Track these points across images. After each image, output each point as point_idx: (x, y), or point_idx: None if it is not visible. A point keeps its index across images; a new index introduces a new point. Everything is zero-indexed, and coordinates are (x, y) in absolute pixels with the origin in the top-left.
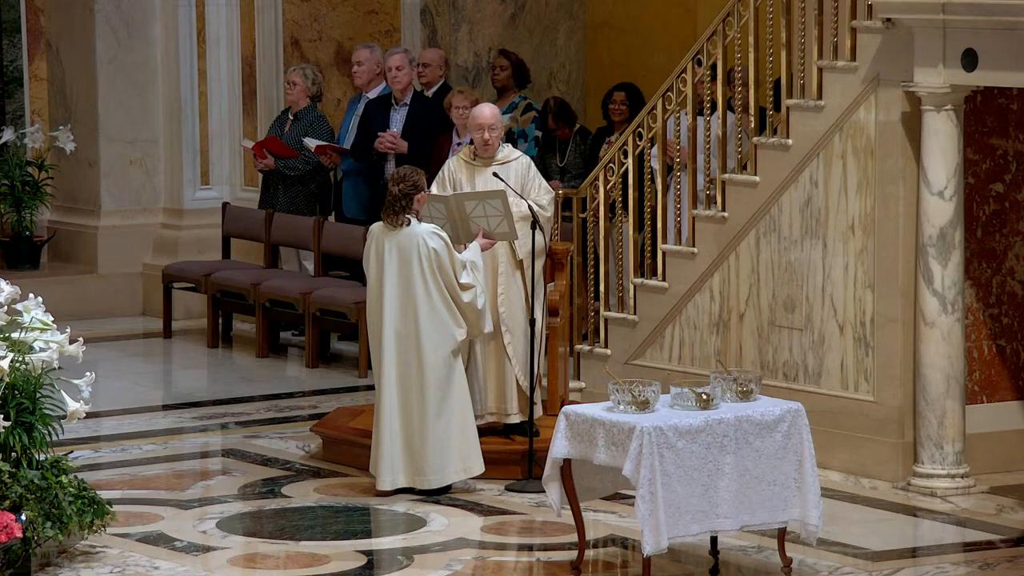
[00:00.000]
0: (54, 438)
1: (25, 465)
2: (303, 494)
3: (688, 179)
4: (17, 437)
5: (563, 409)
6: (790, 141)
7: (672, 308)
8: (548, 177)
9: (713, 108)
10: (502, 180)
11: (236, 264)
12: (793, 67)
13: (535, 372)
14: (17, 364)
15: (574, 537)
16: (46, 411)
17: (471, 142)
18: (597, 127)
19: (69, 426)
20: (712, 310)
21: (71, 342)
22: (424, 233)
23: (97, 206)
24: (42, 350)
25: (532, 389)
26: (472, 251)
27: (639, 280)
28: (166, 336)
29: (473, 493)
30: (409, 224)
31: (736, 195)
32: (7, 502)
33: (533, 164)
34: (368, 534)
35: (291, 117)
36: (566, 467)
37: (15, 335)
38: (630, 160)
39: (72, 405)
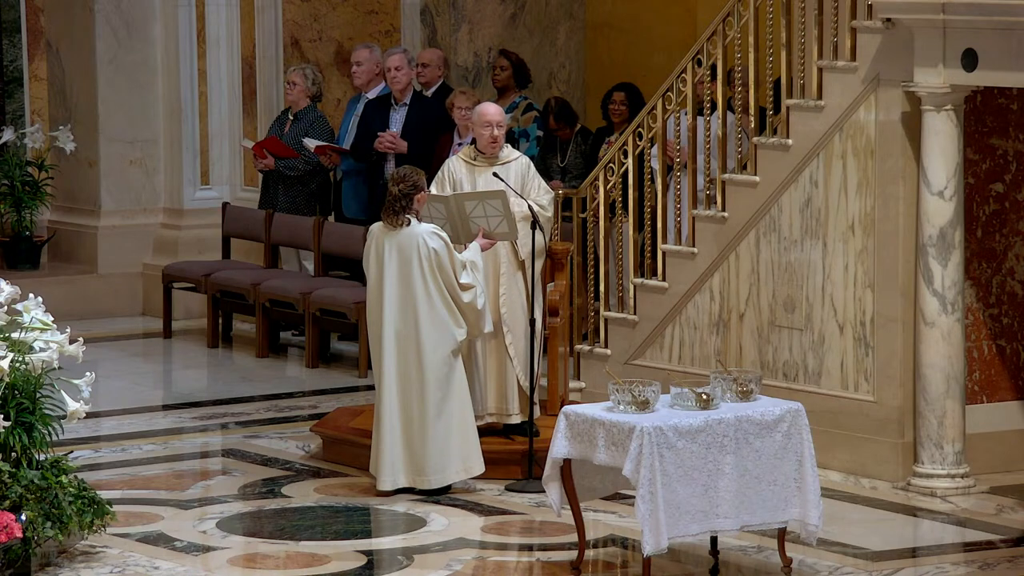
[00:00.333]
0: (54, 438)
1: (25, 465)
2: (303, 494)
3: (688, 179)
4: (17, 437)
5: (563, 409)
6: (790, 141)
7: (672, 308)
8: (549, 177)
9: (713, 108)
10: (502, 180)
11: (236, 264)
12: (793, 67)
13: (535, 372)
14: (17, 364)
15: (574, 537)
16: (46, 411)
17: (472, 142)
18: (597, 127)
19: (69, 426)
20: (712, 310)
21: (71, 342)
22: (424, 233)
23: (97, 206)
24: (42, 350)
25: (532, 389)
26: (472, 251)
27: (639, 280)
28: (166, 336)
29: (473, 493)
30: (409, 224)
31: (736, 195)
32: (7, 502)
33: (532, 164)
34: (368, 534)
35: (291, 117)
36: (566, 467)
37: (15, 335)
38: (630, 160)
39: (72, 405)
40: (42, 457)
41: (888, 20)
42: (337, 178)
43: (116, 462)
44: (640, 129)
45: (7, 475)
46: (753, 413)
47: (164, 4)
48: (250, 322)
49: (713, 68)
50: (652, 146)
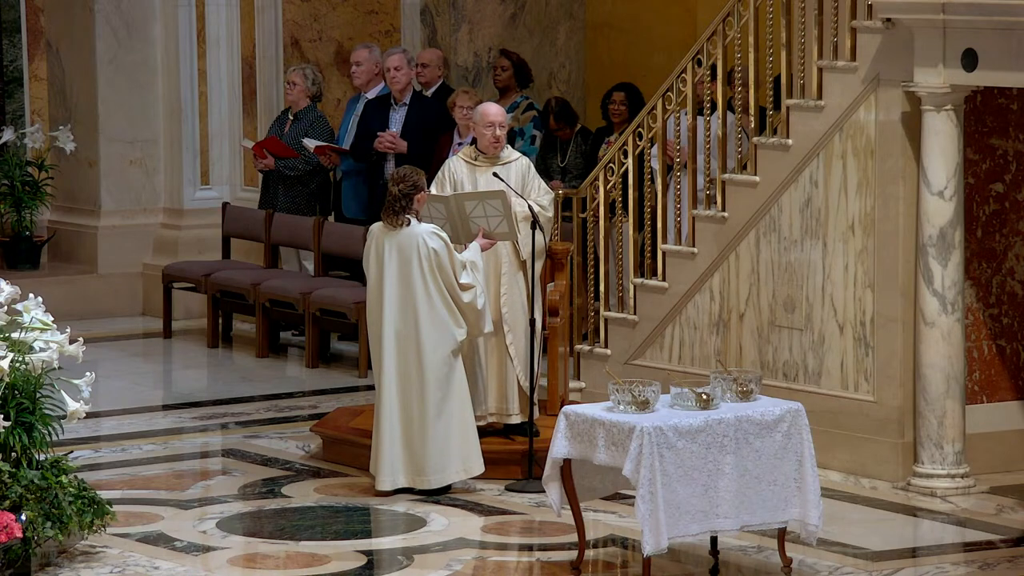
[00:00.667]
0: (54, 438)
1: (25, 465)
2: (303, 494)
3: (688, 179)
4: (17, 437)
5: (563, 409)
6: (790, 141)
7: (672, 308)
8: (549, 177)
9: (713, 108)
10: (503, 180)
11: (236, 264)
12: (793, 67)
13: (535, 372)
14: (17, 364)
15: (574, 537)
16: (46, 411)
17: (472, 142)
18: (597, 127)
19: (69, 426)
20: (712, 310)
21: (71, 342)
22: (424, 233)
23: (97, 206)
24: (42, 350)
25: (532, 389)
26: (472, 251)
27: (639, 280)
28: (166, 336)
29: (473, 493)
30: (409, 224)
31: (736, 195)
32: (7, 502)
33: (532, 165)
34: (368, 534)
35: (291, 117)
36: (566, 467)
37: (15, 335)
38: (630, 160)
39: (72, 405)
40: (42, 457)
41: (888, 20)
42: (337, 178)
43: (116, 462)
44: (640, 129)
45: (7, 475)
46: (753, 413)
47: (164, 4)
48: (250, 322)
49: (713, 68)
50: (652, 146)
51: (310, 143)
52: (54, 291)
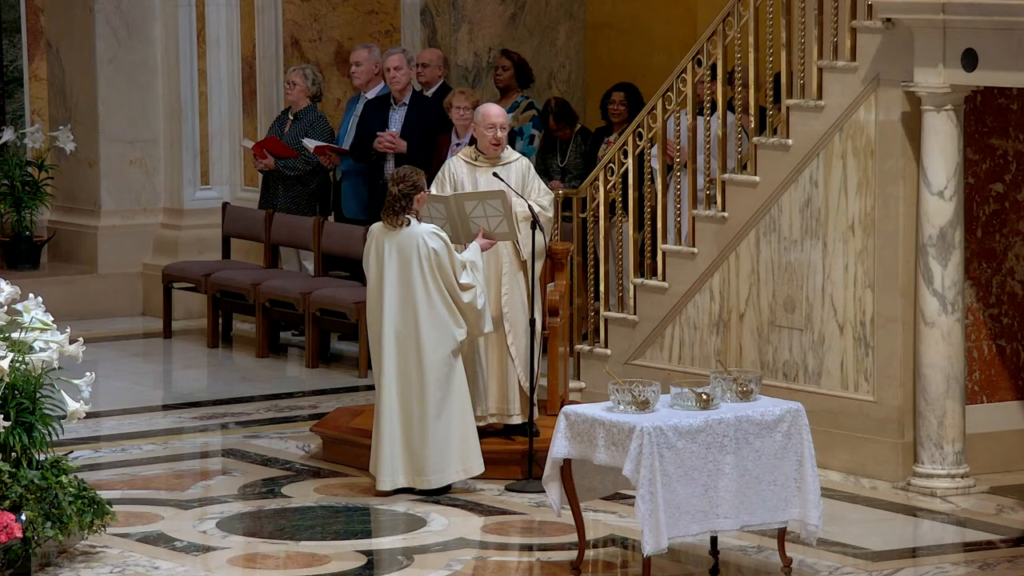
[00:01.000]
0: (54, 438)
1: (25, 465)
2: (303, 494)
3: (688, 179)
4: (17, 437)
5: (563, 409)
6: (790, 141)
7: (672, 308)
8: (549, 177)
9: (713, 108)
10: (502, 181)
11: (236, 264)
12: (793, 67)
13: (535, 372)
14: (17, 364)
15: (574, 537)
16: (46, 411)
17: (471, 142)
18: (596, 127)
19: (69, 426)
20: (712, 310)
21: (71, 342)
22: (424, 233)
23: (97, 206)
24: (42, 350)
25: (532, 390)
26: (472, 251)
27: (639, 280)
28: (166, 336)
29: (473, 493)
30: (409, 224)
31: (736, 195)
32: (7, 502)
33: (532, 166)
34: (368, 534)
35: (291, 117)
36: (566, 467)
37: (15, 335)
38: (630, 160)
39: (72, 405)
40: (42, 457)
41: (888, 20)
42: (337, 178)
43: (116, 462)
44: (640, 129)
45: (7, 475)
46: (753, 413)
47: (164, 4)
48: (250, 322)
49: (713, 68)
50: (652, 146)
51: (310, 143)
52: (54, 291)
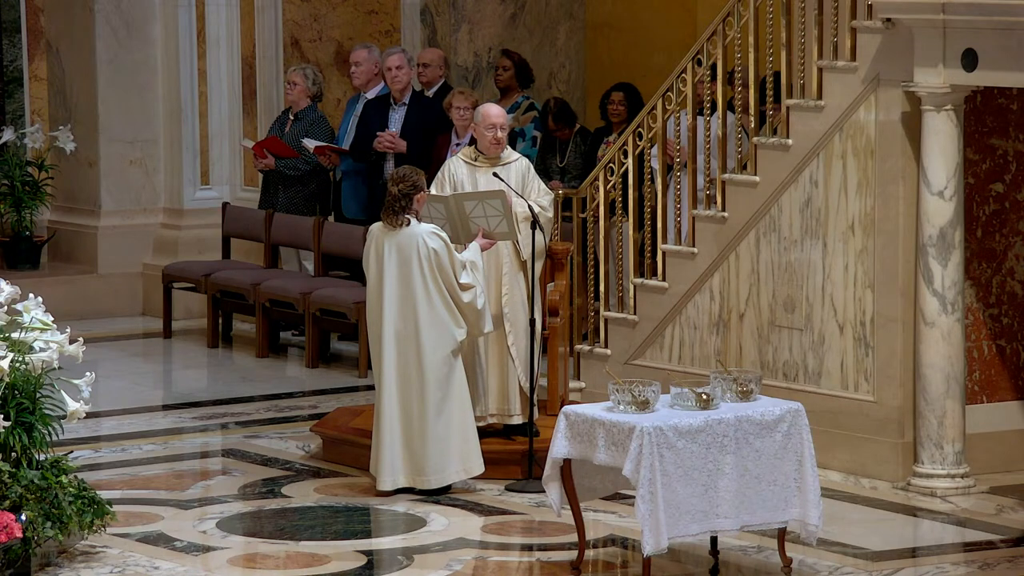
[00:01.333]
0: (54, 438)
1: (25, 465)
2: (303, 494)
3: (688, 179)
4: (17, 437)
5: (563, 409)
6: (790, 141)
7: (672, 308)
8: (548, 177)
9: (713, 108)
10: (502, 181)
11: (236, 264)
12: (793, 67)
13: (535, 373)
14: (17, 364)
15: (574, 537)
16: (46, 411)
17: (471, 142)
18: (596, 127)
19: (69, 426)
20: (712, 310)
21: (71, 342)
22: (424, 233)
23: (97, 206)
24: (42, 350)
25: (532, 390)
26: (472, 251)
27: (639, 280)
28: (166, 336)
29: (473, 493)
30: (409, 224)
31: (736, 195)
32: (7, 502)
33: (532, 166)
34: (368, 534)
35: (291, 117)
36: (566, 467)
37: (15, 335)
38: (630, 160)
39: (72, 405)
40: (42, 457)
41: (888, 20)
42: (337, 178)
43: (116, 462)
44: (640, 129)
45: (7, 475)
46: (753, 413)
47: (164, 4)
48: (250, 322)
49: (713, 68)
50: (652, 146)
51: (309, 143)
52: (54, 291)
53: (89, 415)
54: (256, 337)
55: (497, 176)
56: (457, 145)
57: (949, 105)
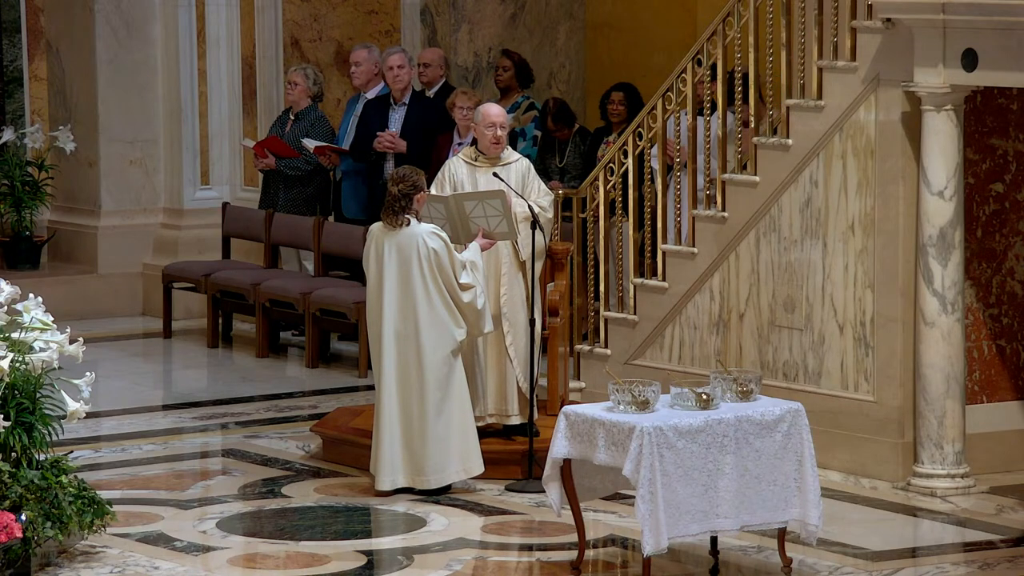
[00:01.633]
0: (54, 438)
1: (25, 465)
2: (303, 494)
3: (688, 179)
4: (17, 437)
5: (563, 409)
6: (790, 141)
7: (672, 308)
8: (548, 178)
9: (713, 108)
10: (502, 181)
11: (236, 264)
12: (793, 67)
13: (534, 373)
14: (17, 364)
15: (574, 537)
16: (46, 411)
17: (473, 142)
18: (595, 127)
19: (69, 426)
20: (712, 310)
21: (71, 342)
22: (424, 233)
23: (97, 206)
24: (42, 350)
25: (532, 389)
26: (472, 251)
27: (639, 280)
28: (166, 336)
29: (473, 493)
30: (409, 224)
31: (736, 195)
32: (7, 502)
33: (532, 167)
34: (368, 534)
35: (292, 117)
36: (566, 467)
37: (15, 335)
38: (630, 160)
39: (72, 405)
40: (42, 457)
41: (888, 20)
42: (337, 178)
43: (116, 462)
44: (640, 129)
45: (7, 475)
46: (753, 413)
47: (164, 4)
48: (250, 322)
49: (713, 68)
50: (652, 146)
51: (309, 143)
52: (54, 291)
53: (89, 415)
54: (256, 337)
55: (497, 176)
56: (459, 145)
57: (949, 105)
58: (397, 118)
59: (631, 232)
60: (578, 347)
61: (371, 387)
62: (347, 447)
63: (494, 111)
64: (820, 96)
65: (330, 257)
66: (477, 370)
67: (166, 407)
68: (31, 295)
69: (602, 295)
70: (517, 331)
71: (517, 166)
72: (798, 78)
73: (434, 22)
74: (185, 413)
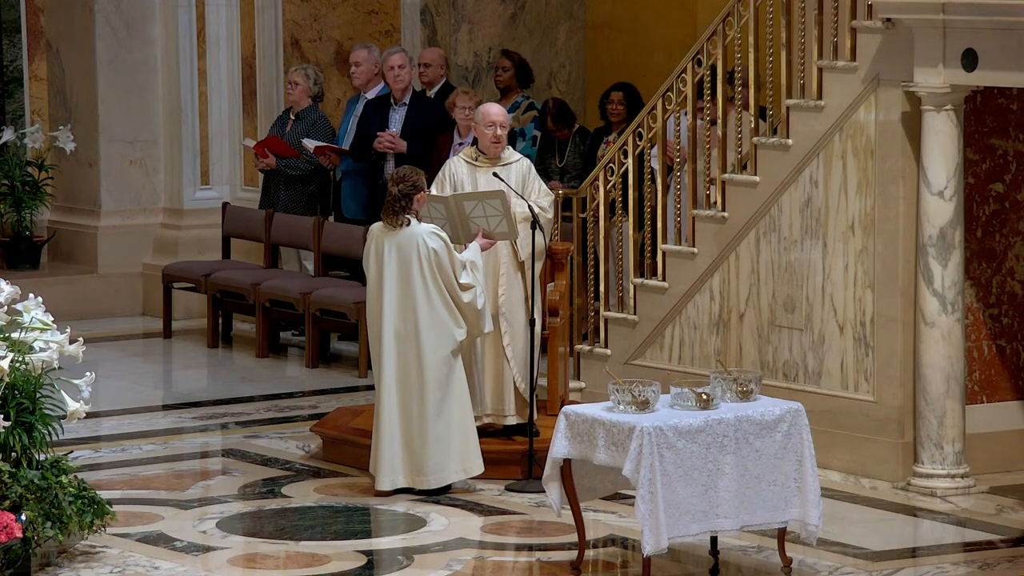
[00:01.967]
0: (54, 438)
1: (25, 465)
2: (303, 494)
3: (688, 179)
4: (17, 437)
5: (563, 409)
6: (790, 141)
7: (672, 308)
8: (548, 178)
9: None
10: (502, 181)
11: (236, 264)
12: (793, 67)
13: (534, 373)
14: (17, 364)
15: (574, 537)
16: (46, 411)
17: (473, 142)
18: (595, 127)
19: (69, 426)
20: (712, 310)
21: (71, 342)
22: (424, 233)
23: (97, 206)
24: (42, 350)
25: (532, 389)
26: (472, 251)
27: (639, 280)
28: (166, 336)
29: (473, 493)
30: (409, 224)
31: (736, 195)
32: (7, 502)
33: (533, 167)
34: (368, 534)
35: (292, 117)
36: (566, 467)
37: (15, 335)
38: (630, 160)
39: (72, 405)
40: (42, 457)
41: (888, 20)
42: (337, 178)
43: (116, 462)
44: (640, 129)
45: (7, 475)
46: (753, 413)
47: (164, 4)
48: (250, 322)
49: (713, 68)
50: (652, 146)
51: (309, 143)
52: (54, 291)
53: (89, 415)
54: (256, 337)
55: (497, 176)
56: (460, 145)
57: (949, 105)
58: (397, 118)
59: (631, 232)
60: (578, 347)
61: (371, 387)
62: (347, 447)
63: (494, 111)
64: (820, 96)
65: (330, 257)
66: (474, 370)
67: (166, 407)
68: (31, 295)
69: (602, 295)
70: (515, 331)
71: (517, 166)
72: (798, 78)
73: (434, 22)
74: (185, 413)
